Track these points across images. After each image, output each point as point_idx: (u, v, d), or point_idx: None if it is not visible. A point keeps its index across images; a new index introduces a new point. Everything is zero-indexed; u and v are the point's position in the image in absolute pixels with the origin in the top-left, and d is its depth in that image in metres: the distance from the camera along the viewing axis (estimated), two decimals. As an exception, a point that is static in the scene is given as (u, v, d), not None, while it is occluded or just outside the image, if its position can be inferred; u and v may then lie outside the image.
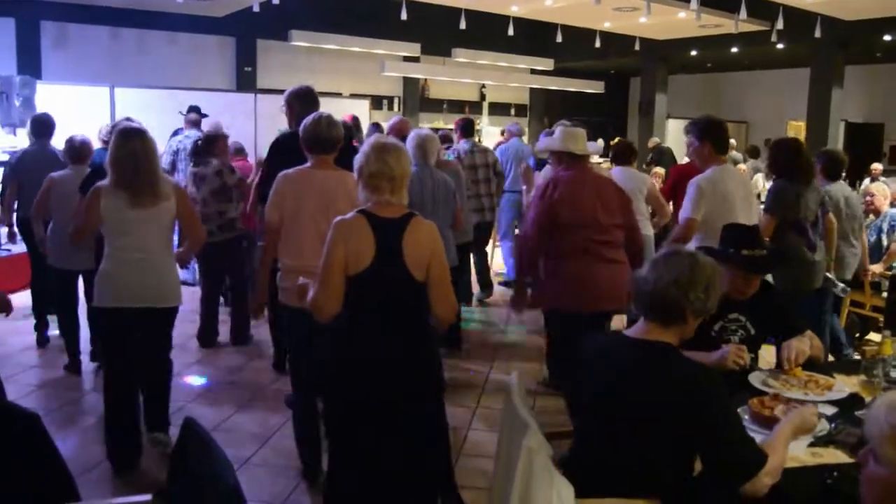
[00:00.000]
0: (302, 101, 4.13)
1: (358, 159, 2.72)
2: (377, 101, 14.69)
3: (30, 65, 10.97)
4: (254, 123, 10.64)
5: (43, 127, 5.77)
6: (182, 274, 7.64)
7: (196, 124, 7.60)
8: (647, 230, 5.58)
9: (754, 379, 2.78)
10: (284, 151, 3.97)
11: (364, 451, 2.72)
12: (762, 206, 4.86)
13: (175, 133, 7.84)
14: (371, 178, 2.67)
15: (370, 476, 2.73)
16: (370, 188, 2.68)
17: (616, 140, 7.14)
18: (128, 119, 4.49)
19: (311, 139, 3.51)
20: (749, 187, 4.40)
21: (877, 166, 10.56)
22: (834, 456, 2.22)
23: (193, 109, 7.91)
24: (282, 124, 7.04)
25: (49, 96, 9.18)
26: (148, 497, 2.20)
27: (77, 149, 5.07)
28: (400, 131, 5.64)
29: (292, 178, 3.50)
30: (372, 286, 2.63)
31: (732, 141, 12.49)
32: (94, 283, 3.66)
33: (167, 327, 3.90)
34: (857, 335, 6.22)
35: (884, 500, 1.33)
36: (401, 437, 2.71)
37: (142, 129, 3.70)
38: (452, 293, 2.77)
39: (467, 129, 7.08)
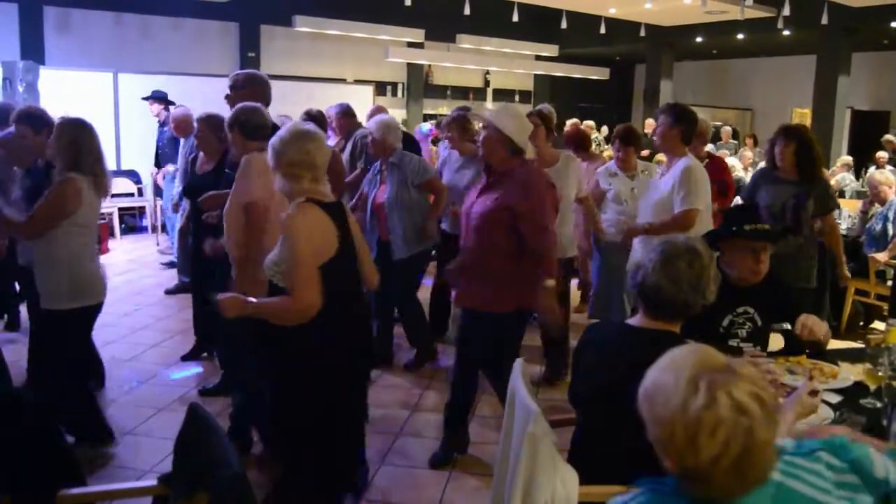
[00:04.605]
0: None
1: (293, 149, 2.70)
2: (381, 87, 14.63)
3: (33, 50, 10.95)
4: (257, 109, 10.60)
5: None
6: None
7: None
8: None
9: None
10: None
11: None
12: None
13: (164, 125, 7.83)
14: (292, 167, 2.68)
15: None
16: (297, 176, 2.70)
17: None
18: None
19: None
20: None
21: (882, 154, 10.51)
22: (838, 444, 2.22)
23: (159, 96, 7.91)
24: (284, 110, 7.05)
25: (52, 82, 9.18)
26: (153, 482, 2.21)
27: None
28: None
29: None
30: (341, 271, 2.72)
31: (728, 128, 12.51)
32: (62, 284, 3.48)
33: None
34: (862, 323, 6.23)
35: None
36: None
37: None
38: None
39: None
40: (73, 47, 11.52)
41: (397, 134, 4.85)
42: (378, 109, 5.99)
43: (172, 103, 7.83)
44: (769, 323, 3.02)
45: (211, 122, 4.56)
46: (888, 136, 9.87)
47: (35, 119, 4.08)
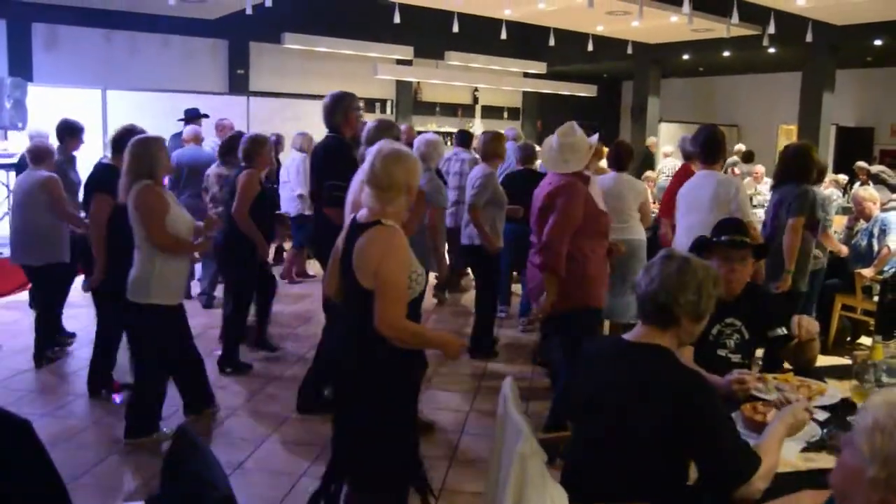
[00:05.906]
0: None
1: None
2: (370, 104, 14.66)
3: (21, 67, 10.92)
4: (247, 126, 10.63)
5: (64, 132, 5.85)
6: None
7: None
8: (640, 234, 5.60)
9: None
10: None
11: None
12: (763, 210, 4.99)
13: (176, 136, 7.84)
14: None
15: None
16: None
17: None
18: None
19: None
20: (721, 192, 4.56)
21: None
22: (826, 461, 2.22)
23: (192, 113, 7.94)
24: (272, 127, 7.06)
25: (40, 99, 9.15)
26: (140, 504, 2.19)
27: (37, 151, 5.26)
28: (406, 139, 5.69)
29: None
30: (341, 282, 2.82)
31: (741, 146, 12.58)
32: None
33: None
34: (849, 339, 6.26)
35: (844, 484, 1.39)
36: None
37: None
38: (393, 309, 2.57)
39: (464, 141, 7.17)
40: (61, 64, 11.50)
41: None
42: (409, 130, 6.03)
43: (206, 115, 8.04)
44: (756, 333, 3.04)
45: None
46: (859, 164, 9.98)
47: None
